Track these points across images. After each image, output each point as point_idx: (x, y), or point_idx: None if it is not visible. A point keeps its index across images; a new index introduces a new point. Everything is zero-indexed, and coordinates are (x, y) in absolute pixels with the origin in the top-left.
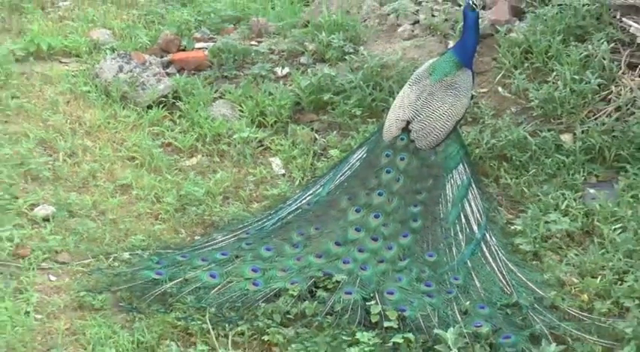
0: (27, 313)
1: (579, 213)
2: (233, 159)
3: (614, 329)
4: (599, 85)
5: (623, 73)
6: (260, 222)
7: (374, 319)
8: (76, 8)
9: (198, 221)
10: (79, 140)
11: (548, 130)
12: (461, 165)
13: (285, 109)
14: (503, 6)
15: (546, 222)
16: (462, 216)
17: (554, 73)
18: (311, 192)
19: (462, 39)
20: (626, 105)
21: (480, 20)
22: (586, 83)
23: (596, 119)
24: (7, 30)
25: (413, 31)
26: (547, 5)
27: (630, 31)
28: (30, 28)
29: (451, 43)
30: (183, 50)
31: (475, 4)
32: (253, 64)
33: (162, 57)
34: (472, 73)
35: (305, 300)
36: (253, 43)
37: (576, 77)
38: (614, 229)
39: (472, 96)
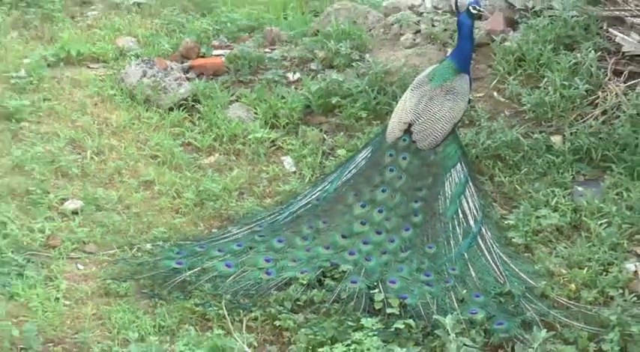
0: (57, 299)
1: (568, 208)
2: (248, 158)
3: (599, 317)
4: (586, 91)
5: (609, 80)
6: (272, 216)
7: (377, 306)
8: (103, 17)
9: (216, 215)
10: (105, 139)
11: (540, 132)
12: (459, 164)
13: (296, 112)
14: (498, 17)
15: (537, 217)
16: (460, 212)
17: (545, 79)
18: (320, 188)
19: (458, 46)
20: (612, 110)
21: (475, 29)
22: (575, 89)
23: (583, 122)
24: (40, 37)
25: (414, 39)
26: (539, 16)
27: (616, 40)
28: (61, 35)
29: (449, 51)
30: (202, 57)
31: (478, 9)
32: (267, 70)
33: (182, 63)
34: (469, 78)
35: (314, 288)
36: (267, 50)
37: (565, 83)
38: (600, 224)
39: (469, 101)
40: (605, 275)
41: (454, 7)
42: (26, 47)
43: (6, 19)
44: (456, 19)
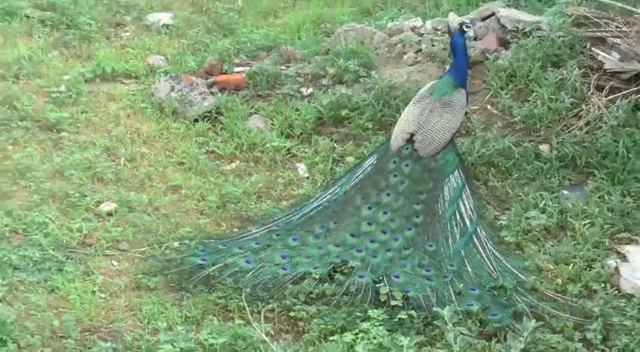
0: (93, 292)
1: (555, 210)
2: (266, 164)
3: (584, 308)
4: (571, 104)
5: (592, 94)
6: (288, 217)
7: (382, 298)
8: (135, 38)
9: (236, 216)
10: (137, 148)
11: (529, 141)
12: (456, 171)
13: (309, 123)
14: (491, 37)
15: (527, 218)
16: (457, 213)
17: (534, 94)
18: (330, 192)
19: (455, 63)
20: (595, 121)
21: (469, 48)
22: (561, 102)
23: (569, 132)
24: (78, 56)
25: (416, 58)
26: (528, 37)
27: (598, 58)
28: (97, 54)
29: (447, 68)
30: (225, 73)
31: (467, 25)
32: (283, 85)
33: (207, 79)
34: (466, 92)
35: (325, 282)
36: (283, 67)
37: (552, 97)
38: (584, 224)
39: (466, 113)
40: (589, 270)
41: (448, 30)
42: (66, 65)
43: (48, 39)
44: (449, 40)
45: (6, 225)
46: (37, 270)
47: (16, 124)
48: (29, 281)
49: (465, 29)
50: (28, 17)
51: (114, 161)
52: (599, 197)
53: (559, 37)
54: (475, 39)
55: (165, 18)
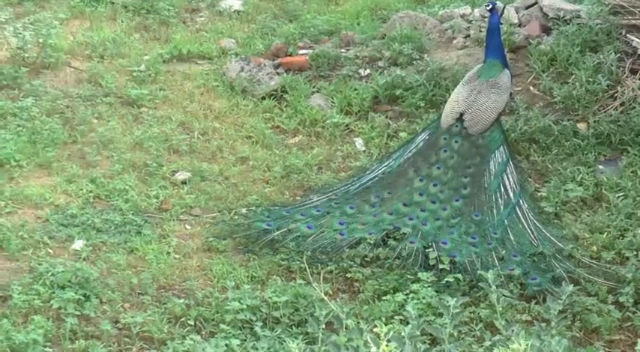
0: (168, 253)
1: (591, 183)
2: (326, 139)
3: (617, 274)
4: (607, 86)
5: (626, 77)
6: (346, 187)
7: (431, 262)
8: (209, 23)
9: (299, 185)
10: (209, 123)
11: (568, 120)
12: (502, 147)
13: (367, 101)
14: (535, 24)
15: (565, 190)
16: (502, 186)
17: (573, 76)
18: (385, 164)
19: (494, 44)
20: (629, 102)
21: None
22: (597, 84)
23: (605, 112)
24: (157, 39)
25: (465, 42)
26: (568, 24)
27: (633, 44)
28: (174, 37)
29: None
30: (290, 55)
31: (487, 5)
32: (342, 67)
33: (273, 60)
34: (510, 73)
35: (379, 247)
36: (343, 50)
37: (590, 79)
38: (618, 196)
39: (511, 94)
40: (622, 239)
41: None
42: (146, 46)
43: (130, 23)
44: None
45: (90, 192)
46: (117, 233)
47: (100, 100)
48: (111, 243)
49: (487, 9)
50: (113, 3)
51: (188, 134)
52: (632, 171)
53: (597, 24)
54: (519, 25)
55: (236, 4)
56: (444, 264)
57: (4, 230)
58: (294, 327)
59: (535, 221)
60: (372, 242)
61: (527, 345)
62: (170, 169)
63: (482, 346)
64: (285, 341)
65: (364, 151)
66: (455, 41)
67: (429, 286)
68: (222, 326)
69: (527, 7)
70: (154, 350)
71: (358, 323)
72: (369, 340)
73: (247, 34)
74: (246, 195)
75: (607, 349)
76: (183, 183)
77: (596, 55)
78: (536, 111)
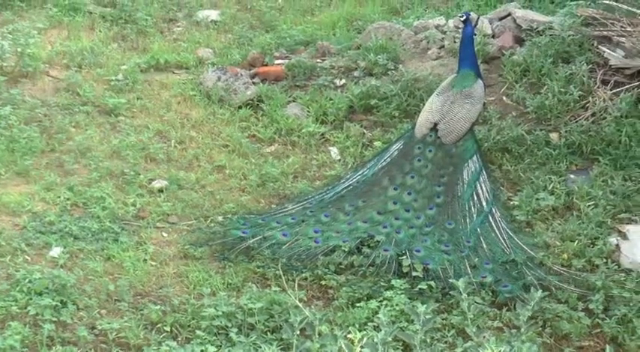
0: (145, 260)
1: (562, 192)
2: (301, 148)
3: (587, 281)
4: (579, 96)
5: (598, 88)
6: (321, 195)
7: (405, 270)
8: (186, 32)
9: (274, 194)
10: (186, 131)
11: (540, 130)
12: (475, 156)
13: (342, 111)
14: (508, 35)
15: (537, 199)
16: (475, 194)
17: (546, 87)
18: (359, 173)
19: (466, 54)
20: (600, 112)
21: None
22: (569, 95)
23: (576, 122)
24: (135, 48)
25: (439, 53)
26: (541, 35)
27: (604, 55)
28: (152, 47)
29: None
30: (266, 65)
31: (460, 16)
32: (318, 77)
33: (249, 70)
34: (483, 84)
35: (353, 255)
36: (318, 60)
37: (562, 90)
38: (589, 205)
39: (484, 104)
40: (592, 247)
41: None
42: (124, 56)
43: (108, 33)
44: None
45: (68, 199)
46: (95, 240)
47: (78, 109)
48: (88, 250)
49: (460, 19)
50: (91, 13)
51: (165, 143)
52: (603, 181)
53: (569, 35)
54: (493, 36)
55: (213, 15)
56: (417, 271)
57: None
58: (268, 333)
59: (507, 229)
60: (346, 249)
61: (498, 351)
62: (147, 177)
63: None
64: (260, 347)
65: (339, 160)
66: (429, 52)
67: (402, 293)
68: (198, 332)
69: (501, 19)
70: None
71: (332, 329)
72: (343, 346)
73: (224, 44)
74: (222, 203)
75: None
76: (160, 191)
77: (568, 65)
78: (509, 121)
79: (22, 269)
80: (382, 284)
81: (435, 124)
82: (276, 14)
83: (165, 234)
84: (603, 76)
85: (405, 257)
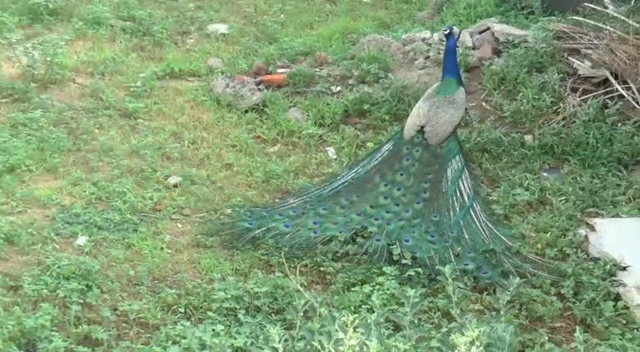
0: (161, 248)
1: (536, 188)
2: (302, 148)
3: (559, 269)
4: (551, 102)
5: (568, 95)
6: (319, 191)
7: (395, 258)
8: (198, 44)
9: (278, 189)
10: (198, 133)
11: (516, 132)
12: (457, 156)
13: (338, 115)
14: (487, 47)
15: (513, 195)
16: (457, 190)
17: (521, 94)
18: (354, 171)
19: (450, 64)
20: (570, 117)
21: (458, 50)
22: (542, 101)
23: (549, 125)
24: (152, 58)
25: (425, 63)
26: (517, 47)
27: (574, 65)
28: (167, 56)
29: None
30: (270, 74)
31: (444, 30)
32: (316, 84)
33: (255, 78)
34: (465, 91)
35: (349, 244)
36: (317, 69)
37: (536, 97)
38: (560, 200)
39: (466, 109)
40: (564, 238)
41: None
42: (142, 65)
43: (128, 44)
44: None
45: (92, 193)
46: (116, 230)
47: (101, 112)
48: (110, 239)
49: (452, 31)
50: (112, 26)
51: (179, 143)
52: (573, 178)
53: (542, 48)
54: (473, 48)
55: (222, 28)
56: (406, 259)
57: (16, 227)
58: (273, 315)
59: (487, 221)
60: (342, 239)
61: (479, 331)
62: (163, 174)
63: (439, 332)
64: (265, 327)
65: (335, 159)
66: (416, 62)
67: (392, 279)
68: (209, 313)
69: (481, 32)
70: (149, 334)
71: (330, 311)
72: (338, 328)
73: (232, 55)
74: (230, 198)
75: (550, 335)
76: (175, 186)
77: (541, 75)
78: (488, 124)
79: (51, 256)
80: (375, 270)
81: (422, 127)
82: (278, 28)
83: (179, 225)
84: (573, 85)
85: (395, 246)
